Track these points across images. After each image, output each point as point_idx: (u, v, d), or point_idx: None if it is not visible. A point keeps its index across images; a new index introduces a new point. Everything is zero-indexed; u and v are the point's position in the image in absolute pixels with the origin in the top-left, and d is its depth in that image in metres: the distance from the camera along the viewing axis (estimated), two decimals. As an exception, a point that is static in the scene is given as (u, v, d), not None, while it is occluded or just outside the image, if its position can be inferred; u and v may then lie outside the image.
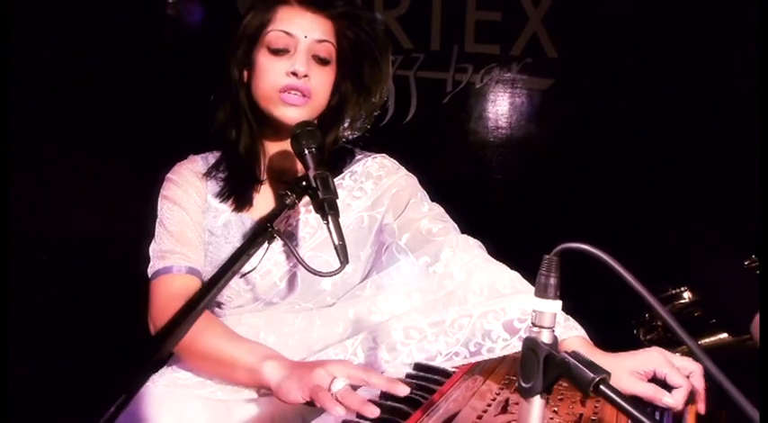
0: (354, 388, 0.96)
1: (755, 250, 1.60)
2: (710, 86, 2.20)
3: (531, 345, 0.69)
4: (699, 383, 0.97)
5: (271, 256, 1.25)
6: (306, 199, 1.10)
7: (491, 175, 2.75)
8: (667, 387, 0.98)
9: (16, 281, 1.39)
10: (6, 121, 1.42)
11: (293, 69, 1.23)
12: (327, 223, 1.04)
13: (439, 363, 1.13)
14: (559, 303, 0.69)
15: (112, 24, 2.45)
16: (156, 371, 1.22)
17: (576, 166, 2.56)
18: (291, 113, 1.23)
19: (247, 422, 1.18)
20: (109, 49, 2.45)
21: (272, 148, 1.35)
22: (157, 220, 1.30)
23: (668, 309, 1.71)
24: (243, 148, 1.33)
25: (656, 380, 1.00)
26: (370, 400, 0.95)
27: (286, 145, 1.32)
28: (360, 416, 0.91)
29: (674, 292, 1.71)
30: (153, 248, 1.27)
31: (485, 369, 1.11)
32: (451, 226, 1.31)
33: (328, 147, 1.33)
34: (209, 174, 1.33)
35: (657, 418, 0.95)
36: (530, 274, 1.24)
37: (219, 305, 1.31)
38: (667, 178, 1.95)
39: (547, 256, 0.69)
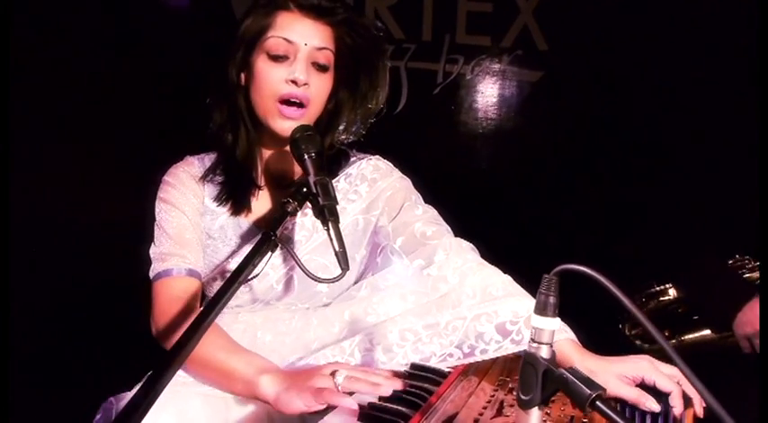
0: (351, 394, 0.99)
1: (742, 250, 1.66)
2: (702, 81, 2.22)
3: (530, 360, 0.72)
4: (689, 388, 1.02)
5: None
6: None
7: (480, 167, 2.78)
8: (658, 394, 1.02)
9: (15, 278, 1.40)
10: (6, 121, 1.41)
11: (293, 77, 1.24)
12: (328, 230, 1.06)
13: (433, 364, 1.16)
14: (558, 321, 0.72)
15: (111, 18, 2.42)
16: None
17: (565, 159, 2.59)
18: (288, 126, 1.25)
19: (245, 418, 1.21)
20: (108, 44, 2.43)
21: (269, 151, 1.37)
22: (156, 222, 1.31)
23: (654, 305, 1.77)
24: (240, 152, 1.34)
25: (646, 388, 1.04)
26: (369, 404, 0.99)
27: (283, 149, 1.35)
28: (364, 419, 0.94)
29: (659, 288, 1.75)
30: (153, 251, 1.28)
31: (479, 369, 1.15)
32: (445, 229, 1.34)
33: (324, 150, 1.34)
34: (205, 177, 1.35)
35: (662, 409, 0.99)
36: (514, 262, 1.30)
37: None
38: (655, 174, 1.98)
39: (546, 276, 0.72)
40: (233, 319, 1.32)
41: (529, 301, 1.17)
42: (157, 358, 0.77)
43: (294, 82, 1.24)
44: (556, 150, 2.63)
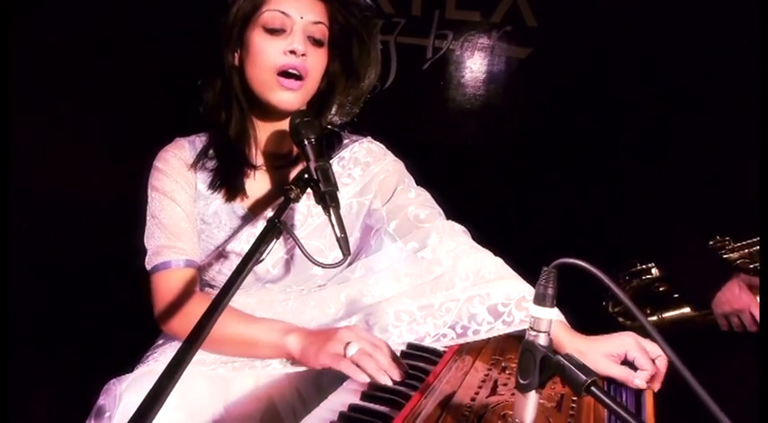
0: None
1: (722, 232, 1.71)
2: (693, 63, 2.23)
3: (528, 347, 0.76)
4: (662, 366, 1.08)
5: None
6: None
7: (468, 142, 2.79)
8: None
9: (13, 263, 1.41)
10: (6, 121, 1.40)
11: (292, 48, 1.24)
12: (330, 215, 1.08)
13: (427, 343, 1.20)
14: (555, 311, 0.76)
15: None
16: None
17: (552, 136, 2.61)
18: (287, 97, 1.26)
19: (245, 395, 1.24)
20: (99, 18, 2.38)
21: (263, 130, 1.36)
22: (148, 210, 1.30)
23: (636, 283, 1.83)
24: (233, 131, 1.33)
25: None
26: (370, 383, 1.03)
27: (277, 126, 1.35)
28: (366, 399, 0.98)
29: (642, 267, 1.82)
30: (149, 242, 1.28)
31: (472, 349, 1.20)
32: (437, 212, 1.37)
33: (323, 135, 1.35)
34: (197, 163, 1.33)
35: (617, 393, 1.06)
36: (500, 237, 1.34)
37: (211, 286, 1.35)
38: (640, 154, 2.01)
39: (545, 269, 0.75)
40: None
41: (519, 284, 1.22)
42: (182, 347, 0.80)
43: (293, 52, 1.24)
44: (543, 127, 2.64)
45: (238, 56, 1.31)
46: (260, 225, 1.28)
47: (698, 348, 1.69)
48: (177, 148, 1.35)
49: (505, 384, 1.05)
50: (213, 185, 1.32)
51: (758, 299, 1.62)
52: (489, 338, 1.21)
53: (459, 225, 1.35)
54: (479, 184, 2.69)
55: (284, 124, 1.29)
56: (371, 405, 0.98)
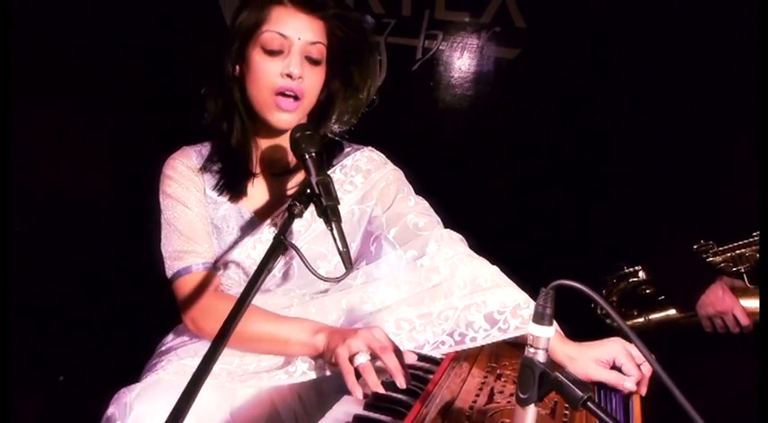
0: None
1: (707, 236, 1.77)
2: (680, 64, 2.27)
3: (528, 363, 0.80)
4: (647, 371, 1.13)
5: None
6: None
7: (457, 143, 2.82)
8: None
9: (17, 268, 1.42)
10: (6, 121, 1.41)
11: (288, 71, 1.28)
12: (332, 230, 1.11)
13: (427, 351, 1.25)
14: (553, 329, 0.80)
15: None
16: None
17: (540, 137, 2.64)
18: (285, 117, 1.30)
19: (250, 403, 1.28)
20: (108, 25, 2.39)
21: (264, 141, 1.41)
22: (162, 217, 1.35)
23: (624, 285, 1.89)
24: (235, 142, 1.38)
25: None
26: (373, 393, 1.07)
27: (276, 138, 1.39)
28: (369, 408, 1.03)
29: (629, 270, 1.88)
30: (166, 249, 1.33)
31: (468, 356, 1.25)
32: (436, 220, 1.41)
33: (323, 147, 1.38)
34: (204, 168, 1.39)
35: (607, 397, 1.11)
36: (489, 235, 1.37)
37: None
38: (628, 156, 2.05)
39: (544, 290, 0.79)
40: None
41: (515, 292, 1.27)
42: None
43: (289, 76, 1.28)
44: (532, 128, 2.68)
45: (239, 68, 1.35)
46: (265, 230, 1.34)
47: (686, 348, 1.76)
48: (184, 156, 1.40)
49: (501, 392, 1.10)
50: (219, 187, 1.37)
51: (741, 301, 1.68)
52: (484, 345, 1.25)
53: (457, 233, 1.39)
54: (468, 184, 2.72)
55: (284, 136, 1.34)
56: (375, 415, 1.02)
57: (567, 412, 1.03)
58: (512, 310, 1.23)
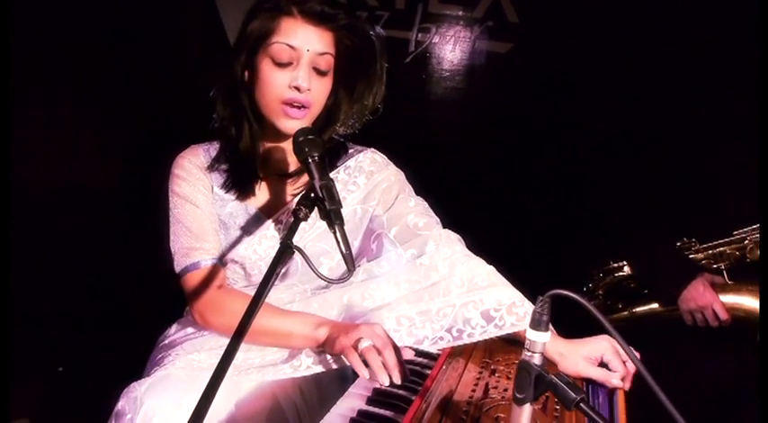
0: None
1: (689, 233, 1.84)
2: (671, 61, 2.31)
3: (524, 366, 0.86)
4: (632, 368, 1.20)
5: (274, 245, 1.39)
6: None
7: (448, 136, 2.86)
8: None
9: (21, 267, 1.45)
10: (6, 121, 1.42)
11: (296, 84, 1.31)
12: (335, 233, 1.16)
13: (426, 346, 1.31)
14: (549, 335, 0.86)
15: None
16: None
17: (531, 131, 2.68)
18: (292, 124, 1.34)
19: (253, 395, 1.33)
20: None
21: (270, 144, 1.45)
22: (171, 215, 1.40)
23: (609, 280, 1.96)
24: (243, 146, 1.42)
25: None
26: (374, 388, 1.13)
27: (284, 141, 1.44)
28: (372, 403, 1.08)
29: (614, 265, 1.95)
30: (175, 245, 1.37)
31: (464, 351, 1.31)
32: (435, 220, 1.46)
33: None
34: (212, 167, 1.43)
35: (594, 392, 1.18)
36: (479, 226, 1.42)
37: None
38: (617, 152, 2.09)
39: (541, 298, 0.85)
40: None
41: (510, 291, 1.33)
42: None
43: (297, 88, 1.32)
44: (523, 122, 2.72)
45: (248, 74, 1.38)
46: (270, 227, 1.40)
47: (667, 340, 1.84)
48: (193, 155, 1.44)
49: (495, 387, 1.16)
50: (227, 186, 1.42)
51: (720, 297, 1.75)
52: (478, 341, 1.31)
53: (455, 234, 1.45)
54: (459, 177, 2.76)
55: (290, 139, 1.36)
56: (378, 410, 1.08)
57: (557, 407, 1.09)
58: (507, 307, 1.29)
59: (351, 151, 1.51)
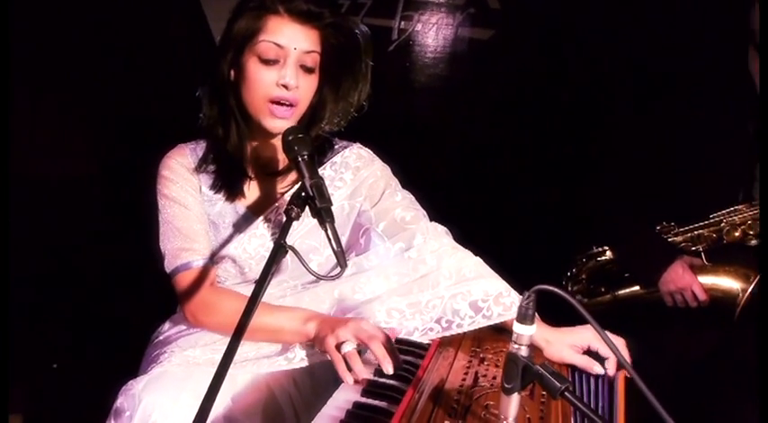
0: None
1: (668, 217, 1.89)
2: (649, 45, 2.33)
3: (512, 358, 0.91)
4: (624, 353, 1.24)
5: (264, 243, 1.41)
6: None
7: (433, 122, 2.88)
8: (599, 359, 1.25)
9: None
10: (6, 122, 1.42)
11: (284, 82, 1.33)
12: (326, 230, 1.19)
13: (416, 337, 1.35)
14: (534, 327, 0.90)
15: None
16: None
17: (514, 117, 2.71)
18: (279, 123, 1.36)
19: (248, 388, 1.37)
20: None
21: (258, 143, 1.46)
22: (161, 216, 1.41)
23: (592, 264, 2.02)
24: (231, 145, 1.43)
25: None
26: (368, 380, 1.17)
27: (271, 139, 1.45)
28: (366, 394, 1.12)
29: (597, 250, 2.00)
30: (165, 247, 1.39)
31: (453, 341, 1.35)
32: (422, 213, 1.50)
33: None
34: (199, 167, 1.44)
35: (597, 381, 1.22)
36: (462, 216, 1.45)
37: (219, 283, 1.46)
38: (598, 138, 2.13)
39: (526, 293, 0.89)
40: None
41: (496, 281, 1.37)
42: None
43: (285, 86, 1.33)
44: (506, 108, 2.74)
45: (234, 73, 1.39)
46: (260, 225, 1.41)
47: (649, 321, 1.91)
48: (179, 155, 1.45)
49: (485, 375, 1.20)
50: (215, 186, 1.43)
51: (699, 278, 1.81)
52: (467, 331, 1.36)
53: (442, 226, 1.49)
54: (443, 164, 2.78)
55: (278, 137, 1.39)
56: (373, 401, 1.12)
57: (544, 393, 1.14)
58: (494, 298, 1.33)
59: (336, 147, 1.53)
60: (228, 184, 1.42)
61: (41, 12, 2.28)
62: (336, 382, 1.21)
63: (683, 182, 1.85)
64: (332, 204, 1.21)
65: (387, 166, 1.54)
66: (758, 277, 1.74)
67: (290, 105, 1.35)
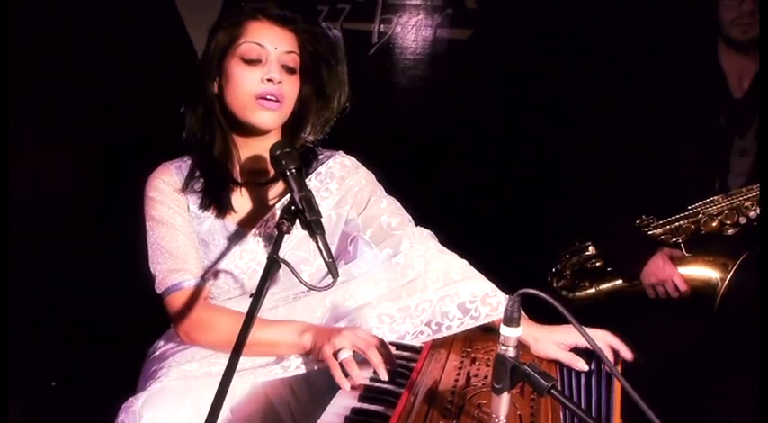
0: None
1: (647, 211, 1.95)
2: (630, 40, 2.38)
3: (501, 359, 0.95)
4: (614, 341, 1.30)
5: (255, 257, 1.43)
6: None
7: (415, 124, 2.89)
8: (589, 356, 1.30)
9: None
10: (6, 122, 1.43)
11: (269, 76, 1.38)
12: (317, 242, 1.22)
13: (408, 341, 1.38)
14: (520, 329, 0.94)
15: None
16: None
17: (493, 116, 2.73)
18: (267, 117, 1.40)
19: (246, 398, 1.38)
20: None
21: (244, 148, 1.49)
22: (149, 238, 1.42)
23: (576, 259, 2.07)
24: (217, 151, 1.46)
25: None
26: (365, 385, 1.21)
27: (257, 144, 1.48)
28: (363, 400, 1.16)
29: (580, 246, 2.06)
30: (156, 268, 1.40)
31: (444, 343, 1.39)
32: (407, 219, 1.53)
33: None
34: (186, 186, 1.45)
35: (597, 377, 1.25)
36: (444, 217, 1.48)
37: (211, 299, 1.47)
38: (578, 135, 2.18)
39: (511, 297, 0.93)
40: None
41: (483, 282, 1.41)
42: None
43: (270, 80, 1.37)
44: (487, 106, 2.77)
45: (218, 84, 1.43)
46: (250, 240, 1.43)
47: (632, 313, 1.96)
48: (165, 174, 1.46)
49: (476, 375, 1.24)
50: (204, 205, 1.44)
51: (679, 269, 1.87)
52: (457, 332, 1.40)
53: (427, 230, 1.53)
54: (425, 166, 2.80)
55: (264, 142, 1.43)
56: (370, 406, 1.15)
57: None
58: (481, 299, 1.37)
59: (321, 157, 1.55)
60: (217, 199, 1.43)
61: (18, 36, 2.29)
62: (334, 388, 1.24)
63: (661, 175, 1.91)
64: (321, 216, 1.24)
65: (371, 173, 1.57)
66: (736, 265, 1.79)
67: (276, 100, 1.39)
